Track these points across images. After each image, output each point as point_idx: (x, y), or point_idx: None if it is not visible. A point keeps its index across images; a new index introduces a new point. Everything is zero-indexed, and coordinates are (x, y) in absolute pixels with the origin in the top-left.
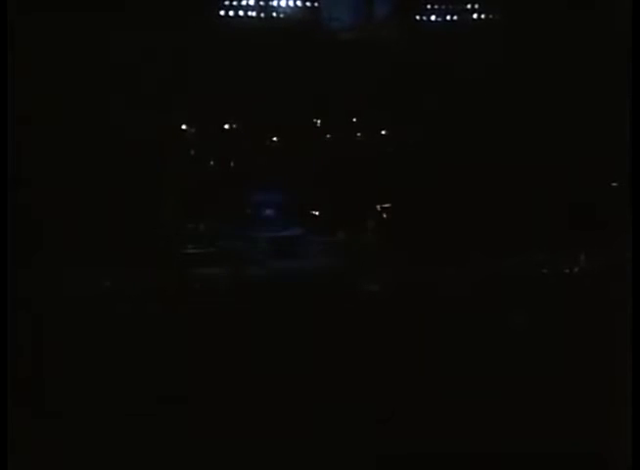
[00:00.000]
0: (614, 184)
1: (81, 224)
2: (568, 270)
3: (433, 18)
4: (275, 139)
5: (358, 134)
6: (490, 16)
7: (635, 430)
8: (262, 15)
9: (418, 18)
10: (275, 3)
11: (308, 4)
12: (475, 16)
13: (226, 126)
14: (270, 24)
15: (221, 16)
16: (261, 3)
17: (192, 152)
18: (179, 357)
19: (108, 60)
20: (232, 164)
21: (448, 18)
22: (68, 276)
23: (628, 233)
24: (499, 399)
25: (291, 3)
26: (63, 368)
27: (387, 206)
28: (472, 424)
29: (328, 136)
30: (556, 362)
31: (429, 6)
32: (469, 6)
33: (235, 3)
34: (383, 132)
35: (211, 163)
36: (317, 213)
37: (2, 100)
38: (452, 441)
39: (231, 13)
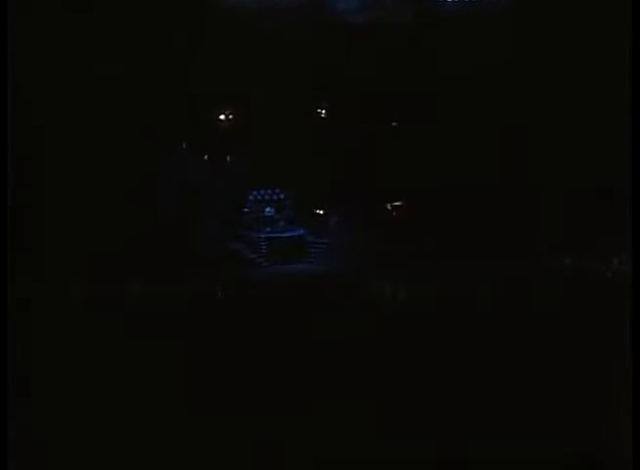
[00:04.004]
0: None
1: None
2: (595, 273)
3: None
4: (276, 130)
5: (366, 126)
6: None
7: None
8: None
9: None
10: None
11: None
12: None
13: (222, 117)
14: (271, 5)
15: None
16: None
17: (184, 146)
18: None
19: (102, 46)
20: (229, 158)
21: None
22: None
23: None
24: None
25: None
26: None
27: (397, 204)
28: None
29: (333, 128)
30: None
31: None
32: None
33: None
34: (394, 124)
35: (206, 157)
36: (322, 212)
37: (2, 101)
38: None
39: None
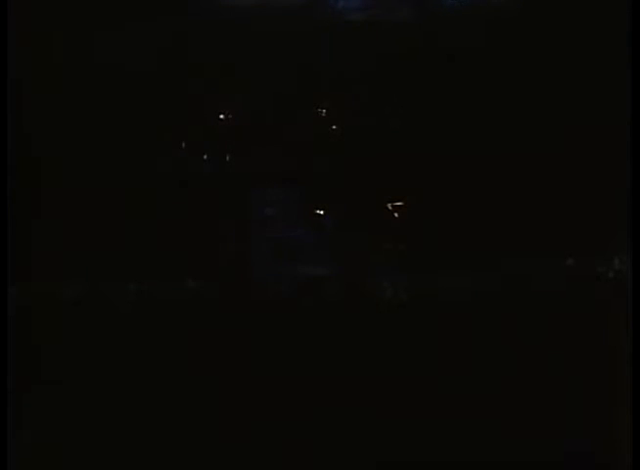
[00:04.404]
0: None
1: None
2: (600, 276)
3: None
4: (275, 130)
5: (368, 126)
6: None
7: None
8: None
9: None
10: None
11: None
12: None
13: (221, 116)
14: (268, 4)
15: None
16: None
17: (183, 144)
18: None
19: (100, 43)
20: (227, 157)
21: None
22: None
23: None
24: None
25: None
26: None
27: (399, 204)
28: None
29: (334, 127)
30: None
31: None
32: None
33: None
34: (396, 124)
35: (205, 156)
36: (322, 213)
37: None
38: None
39: None
